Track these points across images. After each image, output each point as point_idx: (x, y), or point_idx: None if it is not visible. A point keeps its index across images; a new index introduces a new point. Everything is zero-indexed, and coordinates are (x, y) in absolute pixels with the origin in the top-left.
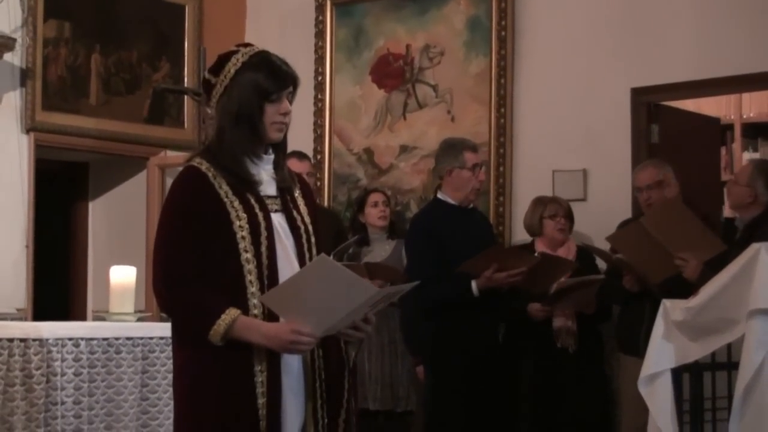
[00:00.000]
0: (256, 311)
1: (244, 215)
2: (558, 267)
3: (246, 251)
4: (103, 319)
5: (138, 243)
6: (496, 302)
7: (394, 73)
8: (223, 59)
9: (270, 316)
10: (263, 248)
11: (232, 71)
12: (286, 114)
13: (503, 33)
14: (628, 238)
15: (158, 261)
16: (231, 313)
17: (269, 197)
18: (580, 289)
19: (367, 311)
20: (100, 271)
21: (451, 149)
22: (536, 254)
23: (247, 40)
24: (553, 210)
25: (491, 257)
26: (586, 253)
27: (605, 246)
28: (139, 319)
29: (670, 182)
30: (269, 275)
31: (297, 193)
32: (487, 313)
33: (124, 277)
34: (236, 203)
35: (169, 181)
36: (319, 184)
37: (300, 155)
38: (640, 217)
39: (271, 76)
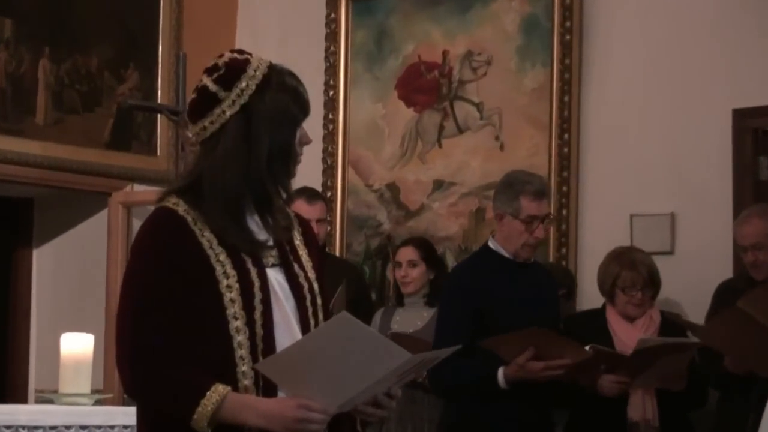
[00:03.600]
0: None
1: (233, 272)
2: (614, 363)
3: (236, 318)
4: (50, 401)
5: (96, 303)
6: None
7: (426, 88)
8: (238, 68)
9: (265, 392)
10: (257, 314)
11: (253, 87)
12: (305, 144)
13: (567, 37)
14: (725, 330)
15: (123, 329)
16: (219, 390)
17: (263, 247)
18: (667, 354)
19: (393, 384)
20: (46, 338)
21: (507, 190)
22: (588, 348)
23: (238, 43)
24: (629, 281)
25: (528, 339)
26: (672, 323)
27: (698, 310)
28: (97, 402)
29: None
30: (265, 349)
31: (297, 240)
32: (534, 400)
33: (78, 347)
34: (222, 256)
35: (137, 223)
36: (329, 228)
37: (310, 195)
38: (737, 300)
39: (297, 99)
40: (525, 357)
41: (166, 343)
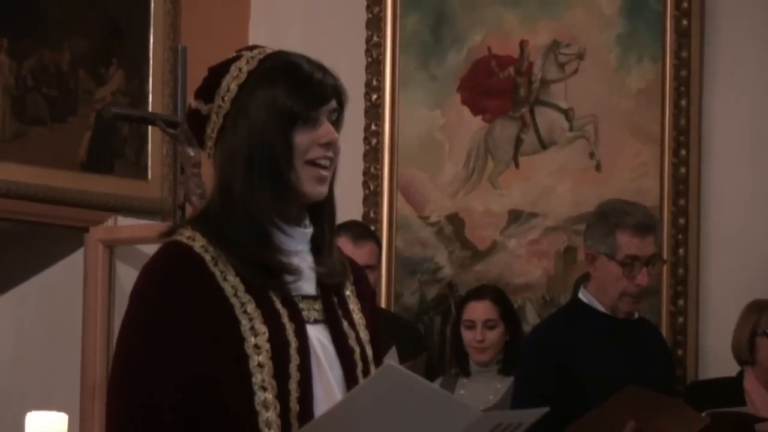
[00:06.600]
0: None
1: (264, 328)
2: (736, 424)
3: (264, 389)
4: None
5: (69, 372)
6: None
7: (499, 90)
8: (217, 73)
9: None
10: (292, 384)
11: (234, 88)
12: (330, 145)
13: (684, 22)
14: None
15: (115, 400)
16: None
17: (305, 298)
18: None
19: None
20: (7, 418)
21: (601, 223)
22: (704, 414)
23: (252, 32)
24: None
25: (623, 409)
26: None
27: None
28: None
29: None
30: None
31: (348, 291)
32: None
33: (47, 428)
34: (251, 307)
35: (121, 268)
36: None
37: (357, 233)
38: None
39: (298, 88)
40: None
41: (170, 419)
